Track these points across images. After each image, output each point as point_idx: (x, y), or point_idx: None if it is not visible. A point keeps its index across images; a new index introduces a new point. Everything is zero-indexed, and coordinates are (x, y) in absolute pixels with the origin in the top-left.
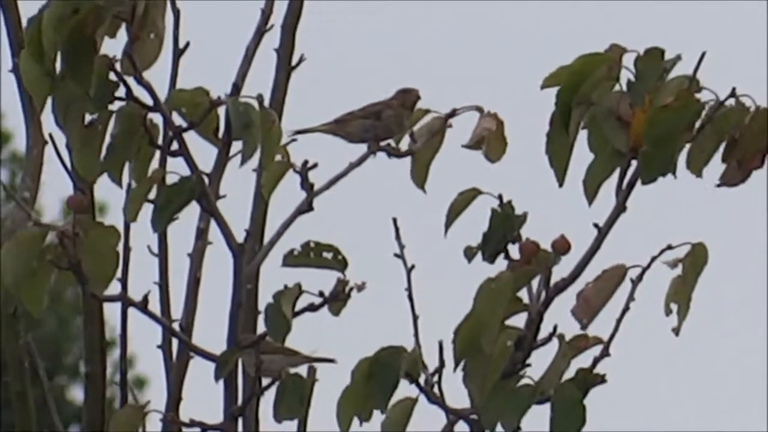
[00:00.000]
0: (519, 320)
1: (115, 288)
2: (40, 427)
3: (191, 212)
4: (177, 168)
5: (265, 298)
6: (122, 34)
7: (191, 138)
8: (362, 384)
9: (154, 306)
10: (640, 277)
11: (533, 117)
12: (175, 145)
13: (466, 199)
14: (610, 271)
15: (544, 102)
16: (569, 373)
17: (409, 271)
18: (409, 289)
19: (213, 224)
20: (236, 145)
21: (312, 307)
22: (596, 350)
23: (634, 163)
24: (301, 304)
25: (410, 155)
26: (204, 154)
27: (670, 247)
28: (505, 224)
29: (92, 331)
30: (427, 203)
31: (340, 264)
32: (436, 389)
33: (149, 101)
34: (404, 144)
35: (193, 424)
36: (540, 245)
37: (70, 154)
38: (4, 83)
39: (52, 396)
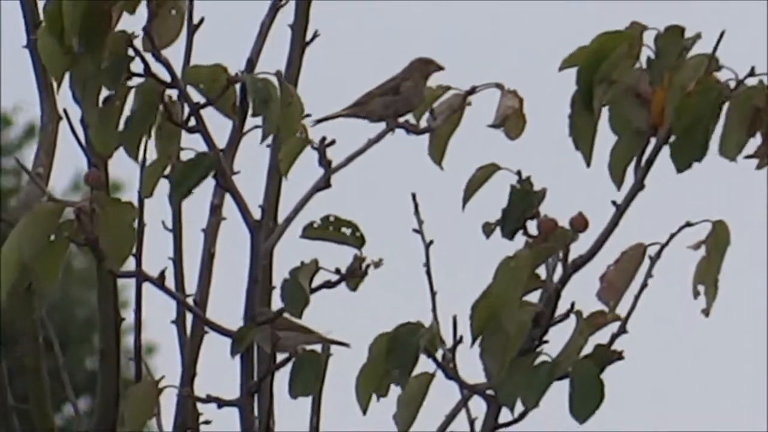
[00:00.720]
0: (535, 296)
1: (129, 264)
2: (52, 399)
3: (205, 188)
4: (191, 144)
5: (279, 275)
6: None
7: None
8: (381, 360)
9: (169, 282)
10: (658, 255)
11: (548, 95)
12: (192, 122)
13: (484, 174)
14: (630, 251)
15: (556, 81)
16: (587, 350)
17: (427, 246)
18: (427, 264)
19: (227, 200)
20: (250, 122)
21: (329, 284)
22: (614, 327)
23: (652, 140)
24: (317, 282)
25: (429, 132)
26: (217, 130)
27: (689, 224)
28: (524, 201)
29: (107, 307)
30: (444, 180)
31: (358, 241)
32: (452, 365)
33: (167, 78)
34: (423, 121)
35: (209, 399)
36: (558, 222)
37: (84, 130)
38: (12, 60)
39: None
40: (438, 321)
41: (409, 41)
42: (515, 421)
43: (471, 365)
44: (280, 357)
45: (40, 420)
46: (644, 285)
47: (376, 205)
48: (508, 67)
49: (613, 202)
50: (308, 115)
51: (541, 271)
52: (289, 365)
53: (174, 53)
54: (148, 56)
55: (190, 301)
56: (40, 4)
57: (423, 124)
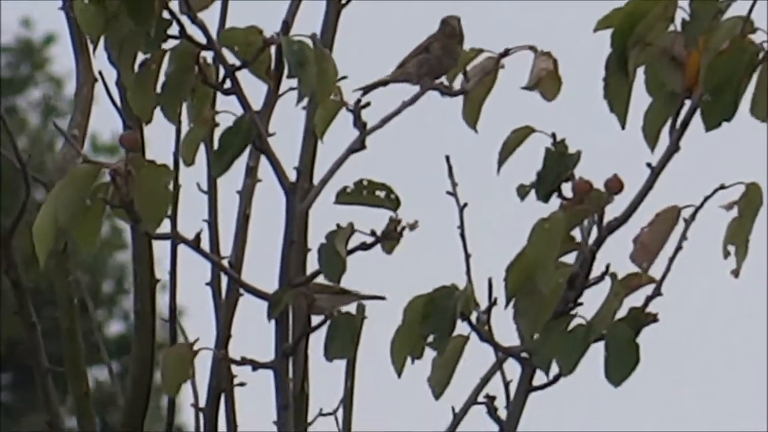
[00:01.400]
0: (569, 258)
1: (164, 226)
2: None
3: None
4: (226, 108)
5: (313, 237)
6: None
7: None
8: (416, 323)
9: (204, 244)
10: (692, 217)
11: (582, 58)
12: (227, 84)
13: (519, 136)
14: (664, 214)
15: (590, 43)
16: (621, 312)
17: (461, 208)
18: (461, 226)
19: (262, 162)
20: (285, 84)
21: (364, 246)
22: (648, 289)
23: (687, 103)
24: (352, 244)
25: (463, 94)
26: (252, 93)
27: (723, 187)
28: (559, 163)
29: (142, 269)
30: (479, 143)
31: (393, 203)
32: (486, 327)
33: (202, 40)
34: (457, 83)
35: (244, 362)
36: (593, 184)
37: (119, 92)
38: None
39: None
40: (472, 283)
41: (446, 7)
42: (550, 383)
43: (505, 328)
44: (315, 319)
45: (76, 382)
46: (679, 247)
47: (411, 167)
48: (542, 30)
49: (648, 165)
50: (344, 77)
51: (576, 234)
52: (325, 328)
53: (209, 16)
54: (184, 19)
55: (225, 263)
56: None
57: (457, 86)
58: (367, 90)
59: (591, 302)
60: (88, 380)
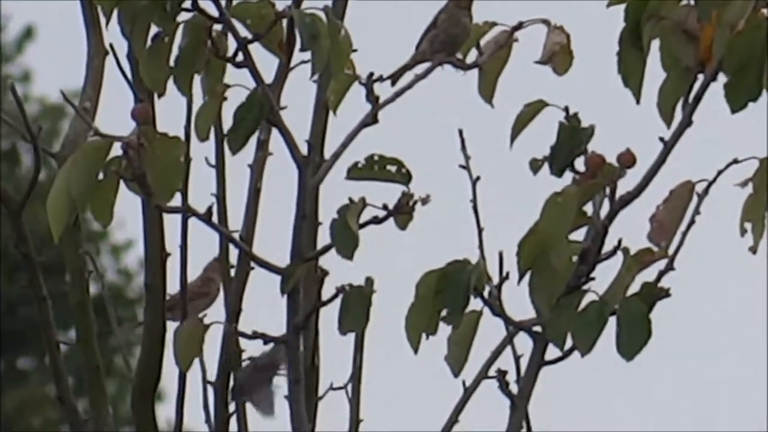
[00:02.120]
0: (582, 233)
1: (175, 200)
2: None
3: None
4: (239, 81)
5: (324, 211)
6: None
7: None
8: (430, 299)
9: (214, 218)
10: (705, 191)
11: (595, 32)
12: (239, 57)
13: (532, 110)
14: (678, 190)
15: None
16: (634, 287)
17: (474, 182)
18: (474, 200)
19: (274, 135)
20: (297, 57)
21: (376, 220)
22: (660, 264)
23: (700, 77)
24: (364, 218)
25: (476, 68)
26: (264, 66)
27: (736, 161)
28: (573, 138)
29: (153, 242)
30: (492, 116)
31: (404, 177)
32: (498, 302)
33: (215, 13)
34: (471, 57)
35: (255, 336)
36: (606, 159)
37: (131, 65)
38: None
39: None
40: (485, 257)
41: None
42: (562, 358)
43: (516, 302)
44: (327, 293)
45: (87, 356)
46: (692, 222)
47: (424, 141)
48: (555, 3)
49: (661, 139)
50: (355, 50)
51: (588, 208)
52: (336, 302)
53: None
54: None
55: (236, 236)
56: None
57: (470, 60)
58: (393, 79)
59: (603, 277)
60: (98, 354)
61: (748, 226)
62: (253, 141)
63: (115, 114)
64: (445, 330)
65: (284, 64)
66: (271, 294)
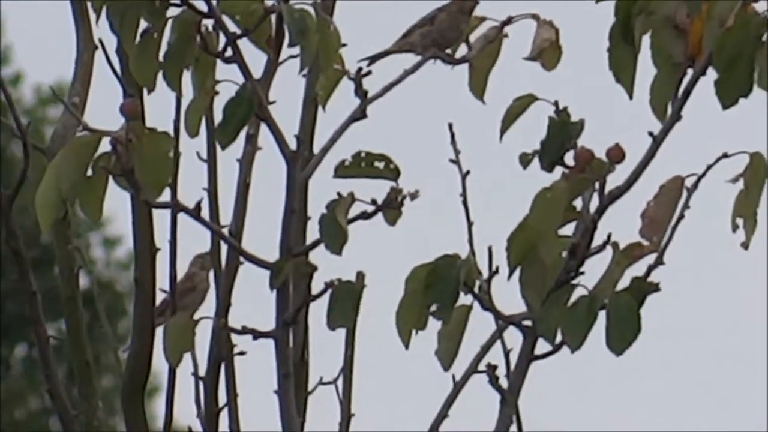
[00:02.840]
0: (569, 228)
1: (164, 194)
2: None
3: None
4: (228, 77)
5: (314, 206)
6: None
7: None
8: (420, 294)
9: (204, 213)
10: (695, 186)
11: (584, 26)
12: (228, 53)
13: (522, 104)
14: (668, 185)
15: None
16: (623, 282)
17: (464, 176)
18: (464, 194)
19: (262, 130)
20: (286, 52)
21: (365, 215)
22: (650, 259)
23: (690, 72)
24: (353, 213)
25: (465, 62)
26: (253, 61)
27: (725, 156)
28: (563, 132)
29: (143, 237)
30: (482, 111)
31: (393, 173)
32: (488, 296)
33: (204, 8)
34: (460, 52)
35: (244, 331)
36: (595, 153)
37: (120, 60)
38: None
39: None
40: (474, 252)
41: None
42: (552, 352)
43: (505, 296)
44: (315, 288)
45: (76, 352)
46: (681, 216)
47: (413, 135)
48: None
49: (650, 134)
50: (344, 45)
51: (578, 203)
52: (325, 297)
53: None
54: None
55: (225, 231)
56: None
57: (459, 55)
58: (372, 60)
59: (593, 272)
60: (87, 350)
61: (739, 221)
62: (242, 135)
63: (105, 109)
64: (435, 324)
65: (273, 59)
66: (261, 288)
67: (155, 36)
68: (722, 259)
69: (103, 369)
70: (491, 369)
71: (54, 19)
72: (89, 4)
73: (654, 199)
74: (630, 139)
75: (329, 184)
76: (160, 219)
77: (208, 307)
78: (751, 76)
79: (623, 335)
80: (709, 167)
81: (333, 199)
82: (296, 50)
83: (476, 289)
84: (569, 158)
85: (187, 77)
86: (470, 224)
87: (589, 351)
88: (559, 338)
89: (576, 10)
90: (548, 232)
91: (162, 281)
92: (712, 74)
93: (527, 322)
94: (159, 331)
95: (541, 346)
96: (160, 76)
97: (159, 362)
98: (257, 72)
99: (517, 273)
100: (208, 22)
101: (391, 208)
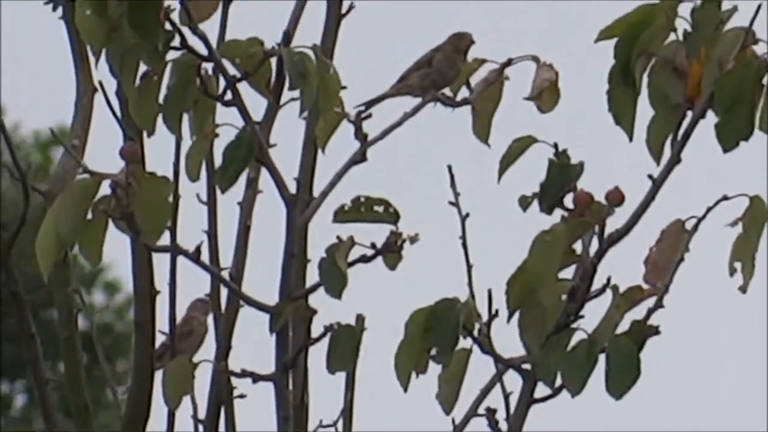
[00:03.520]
0: (568, 271)
1: (164, 238)
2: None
3: None
4: (229, 120)
5: (314, 249)
6: None
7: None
8: (419, 337)
9: (204, 256)
10: (695, 228)
11: (582, 68)
12: (228, 96)
13: (521, 146)
14: (669, 229)
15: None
16: (623, 326)
17: (463, 219)
18: (463, 236)
19: (263, 173)
20: (286, 95)
21: (364, 259)
22: (650, 302)
23: (689, 114)
24: (353, 257)
25: (466, 105)
26: (253, 104)
27: (725, 198)
28: (563, 174)
29: (142, 281)
30: (481, 153)
31: (392, 217)
32: (487, 339)
33: (203, 52)
34: (461, 94)
35: (244, 374)
36: (594, 196)
37: (120, 103)
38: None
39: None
40: (474, 295)
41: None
42: (551, 396)
43: (504, 339)
44: (315, 332)
45: (74, 395)
46: (681, 259)
47: (413, 178)
48: (542, 40)
49: (650, 176)
50: (344, 88)
51: (577, 246)
52: (325, 340)
53: (210, 26)
54: (185, 30)
55: (225, 275)
56: None
57: (460, 97)
58: (369, 105)
59: (593, 315)
60: (85, 393)
61: (737, 265)
62: (242, 178)
63: (104, 151)
64: (435, 366)
65: (273, 102)
66: (261, 332)
67: (155, 79)
68: (722, 302)
69: (101, 409)
70: (491, 412)
71: (54, 62)
72: (89, 47)
73: (656, 244)
74: (630, 181)
75: (329, 228)
76: (160, 261)
77: (208, 349)
78: (751, 119)
79: (623, 379)
80: (708, 210)
81: (333, 243)
82: (296, 93)
83: (476, 333)
84: (569, 201)
85: (186, 120)
86: (470, 267)
87: (588, 394)
88: (558, 381)
89: (575, 50)
90: (548, 275)
91: (162, 324)
92: (711, 117)
93: (527, 366)
94: (158, 374)
95: (541, 389)
96: (159, 119)
97: (158, 405)
98: (257, 115)
99: (516, 316)
100: (208, 66)
101: (391, 251)
